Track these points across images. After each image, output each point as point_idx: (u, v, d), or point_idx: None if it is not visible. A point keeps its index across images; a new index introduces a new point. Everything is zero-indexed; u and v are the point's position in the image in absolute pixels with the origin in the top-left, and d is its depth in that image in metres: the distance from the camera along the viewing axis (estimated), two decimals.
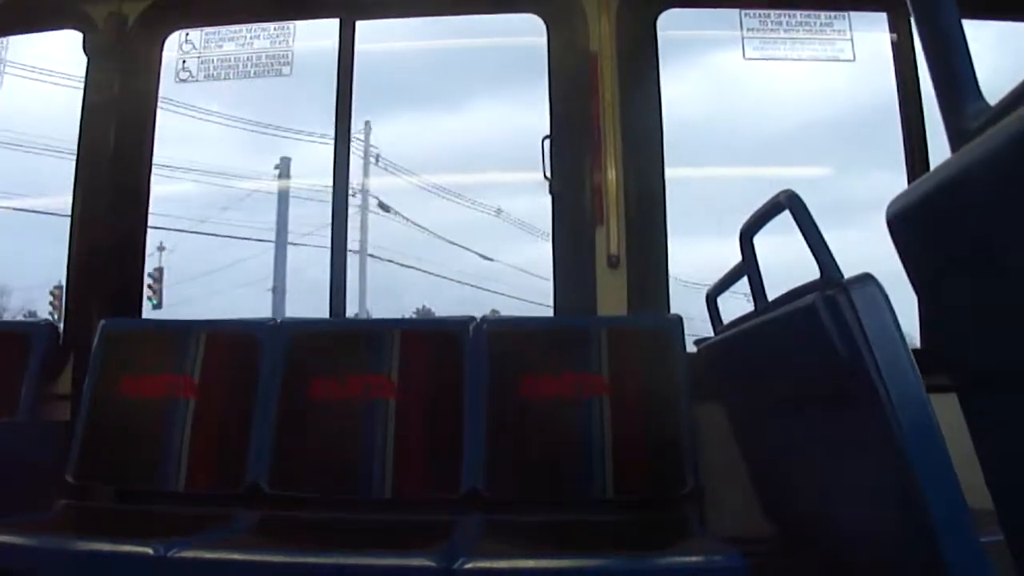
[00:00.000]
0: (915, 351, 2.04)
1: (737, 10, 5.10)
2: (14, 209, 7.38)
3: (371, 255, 17.48)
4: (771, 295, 2.90)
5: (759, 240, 3.00)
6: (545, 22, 5.04)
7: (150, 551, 3.08)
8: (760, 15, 5.09)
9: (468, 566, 2.94)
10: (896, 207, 1.67)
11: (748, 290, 3.13)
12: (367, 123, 15.34)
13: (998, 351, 1.53)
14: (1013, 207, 1.31)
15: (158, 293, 16.43)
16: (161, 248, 15.62)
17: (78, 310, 4.89)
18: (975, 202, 1.43)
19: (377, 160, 16.25)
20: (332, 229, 5.05)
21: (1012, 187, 1.30)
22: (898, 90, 4.93)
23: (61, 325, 4.85)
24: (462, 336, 4.31)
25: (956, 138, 1.48)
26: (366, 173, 17.08)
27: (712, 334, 3.67)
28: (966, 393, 1.65)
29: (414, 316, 10.92)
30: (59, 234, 5.10)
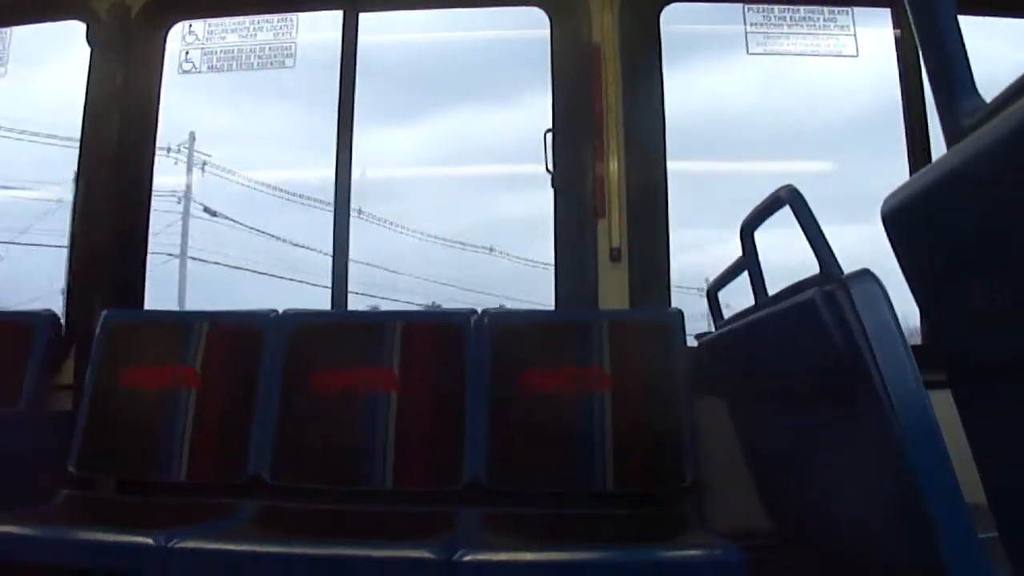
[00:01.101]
0: (914, 347, 2.04)
1: (740, 5, 5.10)
2: None
3: (193, 258, 17.80)
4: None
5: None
6: (548, 15, 5.03)
7: (151, 541, 3.09)
8: (763, 10, 5.08)
9: (468, 558, 2.95)
10: (891, 203, 1.67)
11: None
12: (191, 133, 15.47)
13: (993, 344, 1.54)
14: (1008, 202, 1.32)
15: None
16: None
17: (80, 300, 4.88)
18: (970, 198, 1.44)
19: (204, 168, 16.41)
20: (334, 223, 5.05)
21: (1007, 183, 1.31)
22: (901, 85, 4.93)
23: (63, 315, 4.85)
24: (464, 329, 4.32)
25: (951, 135, 1.49)
26: (189, 180, 17.28)
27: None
28: (961, 387, 1.66)
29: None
30: None
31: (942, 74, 1.52)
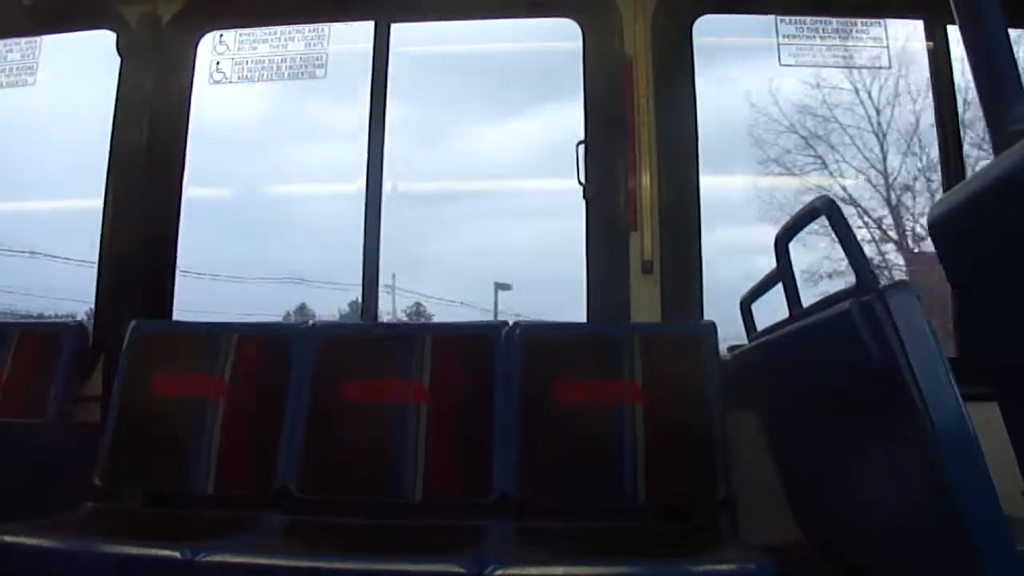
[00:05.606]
0: (951, 359, 2.01)
1: (773, 16, 5.07)
2: None
3: None
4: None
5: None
6: (581, 27, 5.04)
7: (178, 554, 3.08)
8: (796, 21, 5.06)
9: (498, 572, 2.92)
10: (938, 211, 1.64)
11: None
12: None
13: None
14: None
15: None
16: None
17: (109, 311, 4.90)
18: (1020, 204, 1.41)
19: None
20: (365, 234, 5.05)
21: None
22: (933, 97, 4.92)
23: (91, 326, 4.84)
24: (494, 341, 4.29)
25: (1000, 141, 1.46)
26: None
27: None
28: (1006, 397, 1.62)
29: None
30: None
31: (990, 80, 1.49)
